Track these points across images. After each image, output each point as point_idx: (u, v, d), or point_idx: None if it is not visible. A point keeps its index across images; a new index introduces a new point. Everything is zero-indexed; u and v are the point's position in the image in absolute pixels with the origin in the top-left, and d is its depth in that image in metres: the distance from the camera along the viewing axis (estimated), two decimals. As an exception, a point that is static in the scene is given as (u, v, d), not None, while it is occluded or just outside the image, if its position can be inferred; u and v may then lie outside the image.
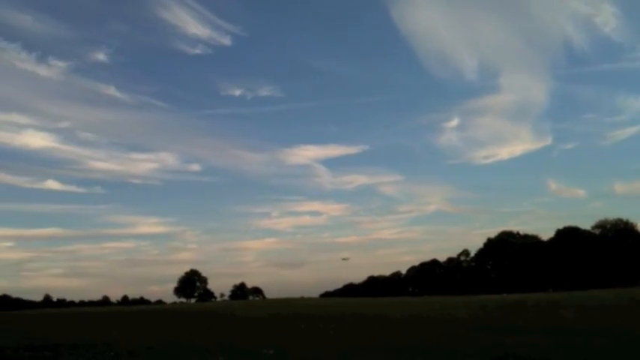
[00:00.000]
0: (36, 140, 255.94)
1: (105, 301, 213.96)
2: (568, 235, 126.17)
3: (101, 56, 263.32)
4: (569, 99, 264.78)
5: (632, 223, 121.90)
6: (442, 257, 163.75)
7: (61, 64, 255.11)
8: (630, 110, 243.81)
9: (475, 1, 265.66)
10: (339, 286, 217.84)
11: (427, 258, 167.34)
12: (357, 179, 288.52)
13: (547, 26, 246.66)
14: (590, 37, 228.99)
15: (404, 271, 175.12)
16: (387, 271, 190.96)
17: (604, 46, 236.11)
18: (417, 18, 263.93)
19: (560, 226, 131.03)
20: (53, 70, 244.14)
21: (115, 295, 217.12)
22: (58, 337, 23.21)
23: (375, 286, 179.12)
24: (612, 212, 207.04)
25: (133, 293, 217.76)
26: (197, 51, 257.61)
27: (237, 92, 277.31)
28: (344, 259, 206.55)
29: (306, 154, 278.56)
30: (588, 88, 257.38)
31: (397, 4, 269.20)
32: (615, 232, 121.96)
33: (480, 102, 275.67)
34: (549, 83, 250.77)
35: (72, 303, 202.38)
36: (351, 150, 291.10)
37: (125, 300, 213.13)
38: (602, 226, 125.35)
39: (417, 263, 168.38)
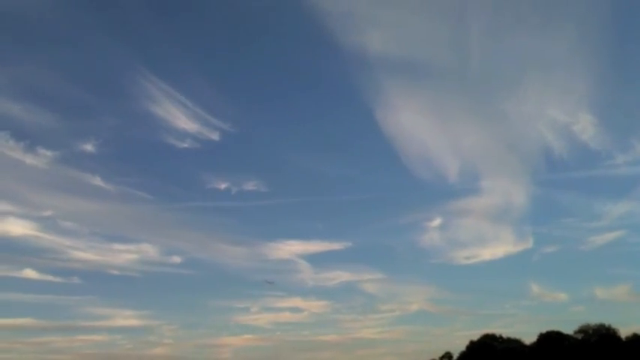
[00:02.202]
0: (16, 228, 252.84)
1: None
2: (551, 339, 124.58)
3: (89, 147, 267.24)
4: (549, 203, 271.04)
5: (613, 329, 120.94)
6: (425, 359, 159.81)
7: (49, 153, 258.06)
8: (608, 216, 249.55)
9: (457, 108, 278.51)
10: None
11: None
12: (340, 276, 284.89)
13: (526, 133, 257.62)
14: (569, 144, 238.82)
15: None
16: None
17: (582, 153, 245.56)
18: (400, 121, 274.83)
19: (543, 330, 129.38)
20: (40, 159, 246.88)
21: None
22: None
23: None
24: (594, 317, 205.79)
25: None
26: (185, 145, 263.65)
27: (223, 186, 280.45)
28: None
29: (289, 249, 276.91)
30: (567, 194, 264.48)
31: (380, 107, 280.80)
32: (598, 337, 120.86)
33: (461, 203, 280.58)
34: (529, 188, 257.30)
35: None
36: (335, 246, 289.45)
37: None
38: (584, 330, 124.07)
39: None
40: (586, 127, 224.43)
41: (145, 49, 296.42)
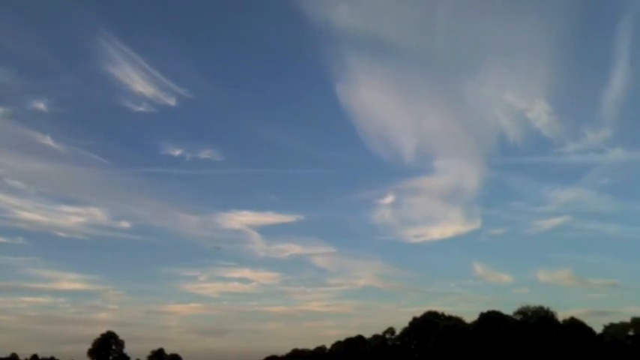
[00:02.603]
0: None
1: (13, 358, 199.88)
2: (490, 319, 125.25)
3: (41, 105, 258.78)
4: (500, 187, 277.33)
5: (552, 312, 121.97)
6: (369, 333, 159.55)
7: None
8: (555, 202, 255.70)
9: (418, 87, 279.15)
10: (262, 357, 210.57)
11: (354, 333, 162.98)
12: (291, 248, 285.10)
13: (483, 117, 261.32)
14: (523, 130, 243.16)
15: (329, 346, 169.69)
16: (312, 345, 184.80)
17: (535, 139, 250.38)
18: (361, 97, 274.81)
19: (485, 310, 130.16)
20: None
21: (25, 353, 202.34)
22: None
23: (299, 359, 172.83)
24: (535, 299, 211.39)
25: (44, 352, 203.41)
26: (141, 109, 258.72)
27: (177, 152, 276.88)
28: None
29: (242, 219, 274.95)
30: (518, 178, 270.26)
31: (342, 82, 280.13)
32: (536, 320, 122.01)
33: (414, 182, 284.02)
34: (482, 170, 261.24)
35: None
36: (287, 219, 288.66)
37: (34, 358, 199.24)
38: (523, 312, 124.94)
39: (343, 338, 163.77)
40: (540, 114, 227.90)
41: (106, 10, 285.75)
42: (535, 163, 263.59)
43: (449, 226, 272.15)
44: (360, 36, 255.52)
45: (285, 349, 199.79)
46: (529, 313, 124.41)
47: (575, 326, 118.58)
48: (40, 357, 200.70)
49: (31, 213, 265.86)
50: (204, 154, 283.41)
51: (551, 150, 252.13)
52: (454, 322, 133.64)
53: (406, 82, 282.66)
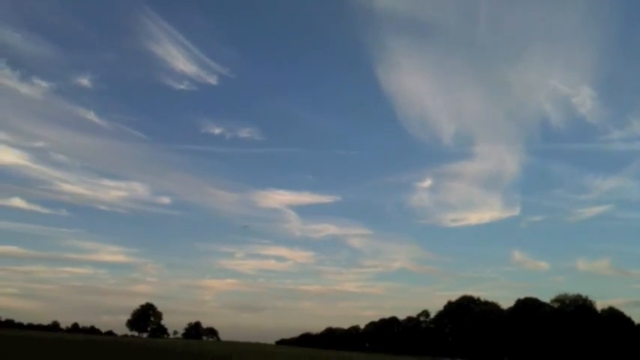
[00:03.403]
0: (8, 157, 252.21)
1: (54, 326, 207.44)
2: (527, 305, 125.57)
3: (85, 81, 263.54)
4: (541, 173, 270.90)
5: (590, 301, 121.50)
6: (402, 315, 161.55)
7: (44, 84, 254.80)
8: (597, 190, 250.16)
9: (459, 71, 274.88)
10: (296, 334, 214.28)
11: (387, 315, 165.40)
12: (327, 229, 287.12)
13: (526, 102, 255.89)
14: (567, 116, 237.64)
15: (362, 326, 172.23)
16: (345, 324, 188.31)
17: (579, 126, 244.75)
18: (401, 80, 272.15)
19: (521, 296, 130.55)
20: (36, 89, 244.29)
21: (66, 322, 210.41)
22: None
23: (333, 338, 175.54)
24: (572, 288, 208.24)
25: (84, 321, 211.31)
26: (182, 87, 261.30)
27: (217, 131, 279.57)
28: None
29: (279, 198, 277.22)
30: (560, 165, 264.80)
31: (382, 65, 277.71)
32: (574, 308, 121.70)
33: (453, 167, 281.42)
34: (523, 156, 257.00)
35: (20, 325, 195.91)
36: (324, 199, 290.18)
37: (75, 327, 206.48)
38: (561, 300, 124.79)
39: (376, 319, 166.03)
40: (585, 100, 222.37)
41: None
42: (578, 150, 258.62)
43: (487, 212, 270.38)
44: (402, 18, 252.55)
45: (318, 327, 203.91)
46: (567, 301, 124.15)
47: (613, 316, 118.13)
48: (80, 326, 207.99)
49: (74, 186, 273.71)
50: (244, 132, 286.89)
51: (595, 137, 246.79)
52: (490, 307, 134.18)
53: (447, 66, 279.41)
